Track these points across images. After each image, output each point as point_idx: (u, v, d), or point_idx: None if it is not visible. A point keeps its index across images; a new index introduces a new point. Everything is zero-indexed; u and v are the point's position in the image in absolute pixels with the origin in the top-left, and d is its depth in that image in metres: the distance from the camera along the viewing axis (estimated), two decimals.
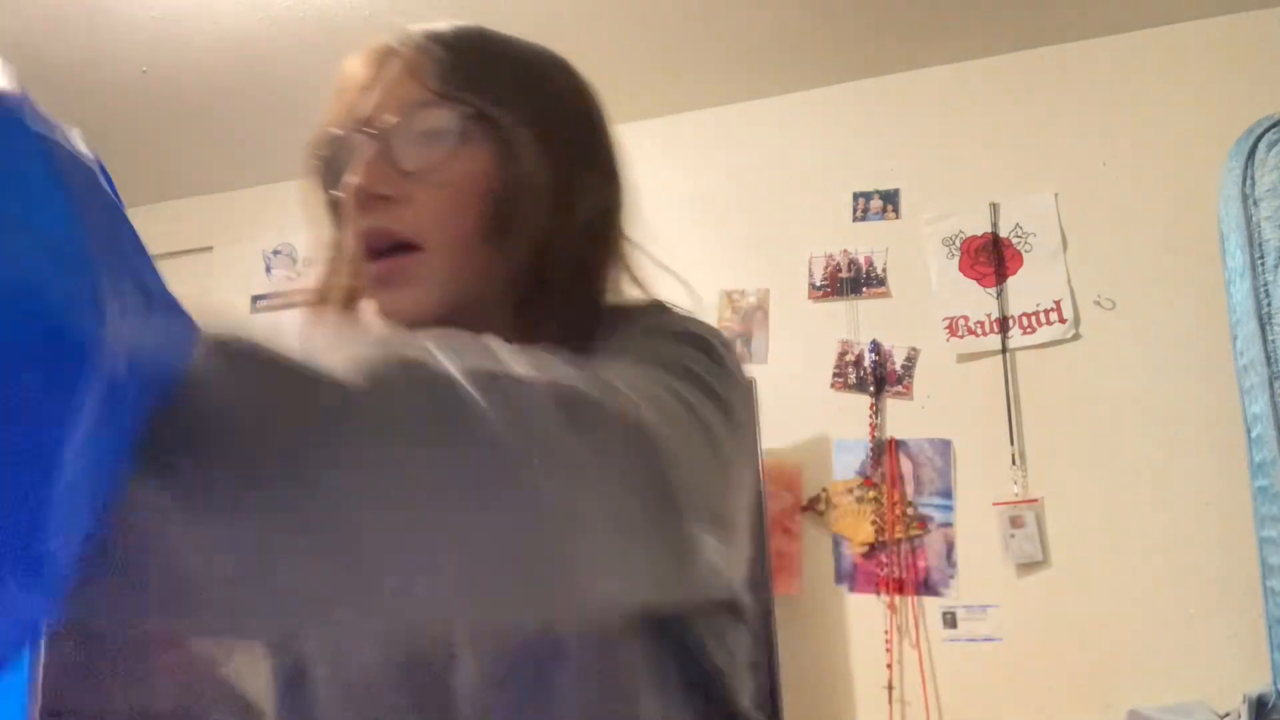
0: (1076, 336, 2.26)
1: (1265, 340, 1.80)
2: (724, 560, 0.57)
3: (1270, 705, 1.80)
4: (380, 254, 0.65)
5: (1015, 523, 2.22)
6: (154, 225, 3.19)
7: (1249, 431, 1.89)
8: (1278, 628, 1.81)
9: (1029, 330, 2.29)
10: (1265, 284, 1.82)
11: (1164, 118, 2.26)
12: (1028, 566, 2.23)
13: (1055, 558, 2.21)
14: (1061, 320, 2.27)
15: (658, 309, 0.71)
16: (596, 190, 0.72)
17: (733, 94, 2.57)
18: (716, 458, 0.55)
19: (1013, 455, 2.26)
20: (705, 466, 0.54)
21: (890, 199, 2.46)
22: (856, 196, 2.49)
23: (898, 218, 2.45)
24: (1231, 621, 2.04)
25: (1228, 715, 1.89)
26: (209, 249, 3.10)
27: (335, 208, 0.71)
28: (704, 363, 0.60)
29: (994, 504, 2.26)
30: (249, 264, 3.03)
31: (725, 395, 0.59)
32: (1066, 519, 2.21)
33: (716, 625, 0.65)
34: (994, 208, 2.36)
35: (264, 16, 2.18)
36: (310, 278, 0.77)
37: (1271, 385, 1.79)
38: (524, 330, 0.60)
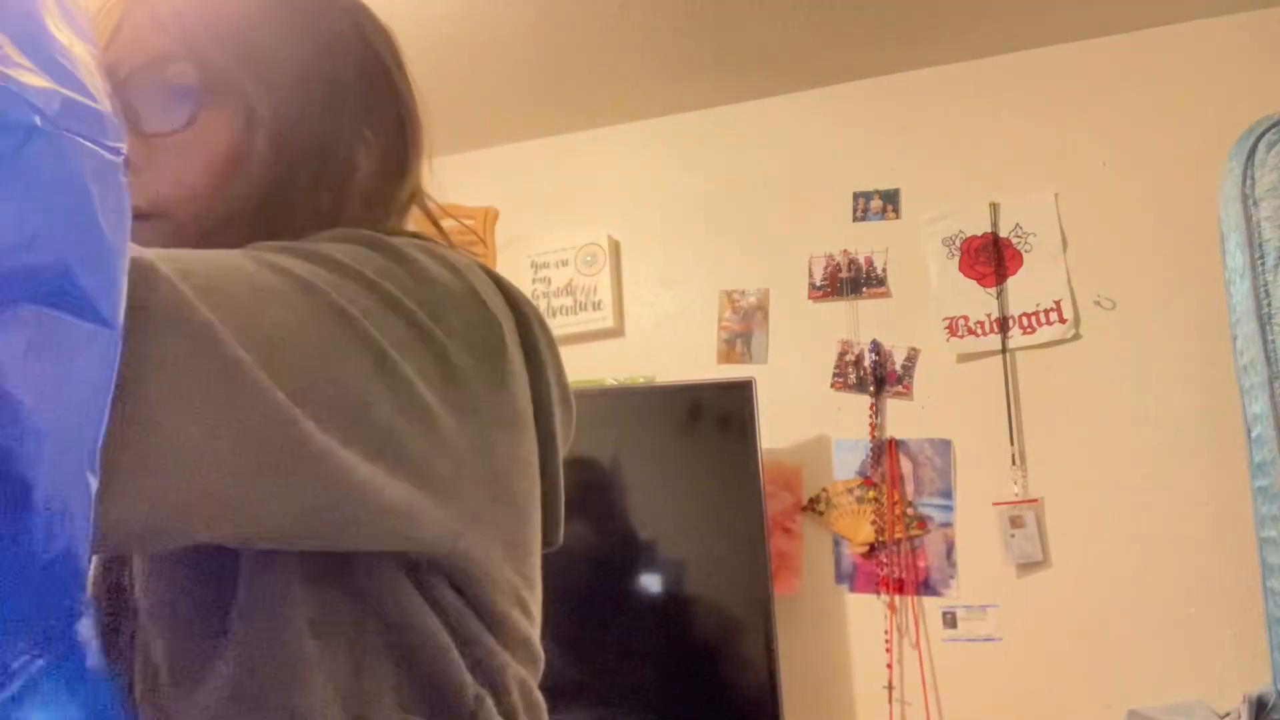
0: (1076, 336, 2.26)
1: (1265, 340, 1.80)
2: (409, 498, 0.51)
3: (1270, 705, 1.80)
4: None
5: (1015, 523, 2.22)
6: None
7: (1249, 431, 1.89)
8: (1278, 628, 1.81)
9: (1029, 330, 2.29)
10: (1265, 284, 1.82)
11: (1164, 118, 2.26)
12: (1028, 566, 2.23)
13: (1055, 558, 2.21)
14: (1061, 320, 2.27)
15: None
16: (371, 148, 0.66)
17: (733, 94, 2.57)
18: (362, 350, 0.48)
19: (1013, 455, 2.26)
20: (321, 353, 0.47)
21: (890, 199, 2.46)
22: (856, 196, 2.49)
23: (898, 218, 2.45)
24: (1231, 621, 2.04)
25: (1228, 715, 1.89)
26: None
27: None
28: (377, 263, 0.52)
29: (994, 504, 2.26)
30: None
31: (400, 297, 0.51)
32: (1066, 519, 2.21)
33: (426, 583, 0.56)
34: (994, 208, 2.36)
35: None
36: None
37: (1271, 385, 1.79)
38: None
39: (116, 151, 0.33)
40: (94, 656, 0.32)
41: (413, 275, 0.53)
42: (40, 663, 0.30)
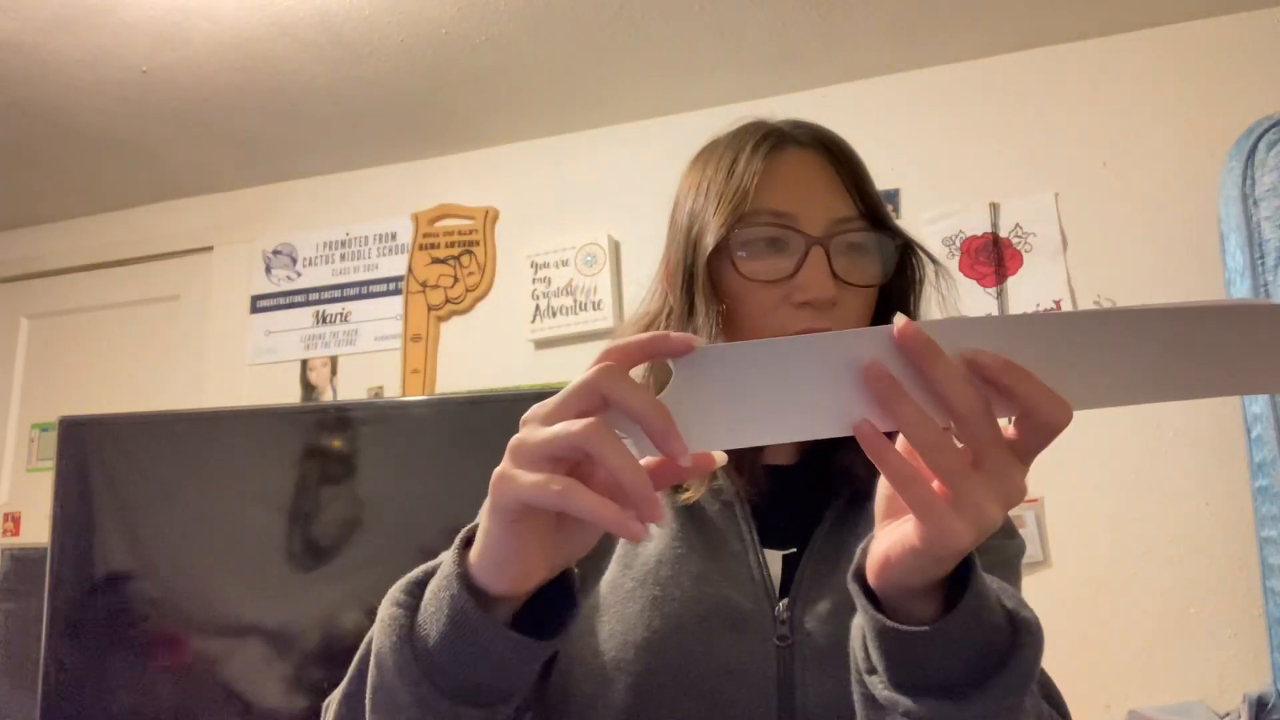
0: None
1: None
2: None
3: (1270, 705, 1.80)
4: None
5: (1015, 523, 2.22)
6: (154, 225, 3.19)
7: (1249, 431, 1.89)
8: (1278, 628, 1.81)
9: None
10: (1265, 284, 1.82)
11: (1164, 118, 2.26)
12: (1028, 566, 2.22)
13: (1055, 558, 2.21)
14: None
15: None
16: None
17: (734, 94, 2.57)
18: None
19: None
20: None
21: (890, 199, 2.46)
22: None
23: (898, 218, 2.45)
24: (1231, 621, 2.04)
25: (1228, 715, 1.89)
26: (209, 249, 3.10)
27: (724, 283, 0.81)
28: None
29: None
30: (249, 264, 3.03)
31: None
32: (1066, 519, 2.21)
33: None
34: (994, 208, 2.36)
35: (264, 16, 2.18)
36: (636, 329, 0.88)
37: None
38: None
39: None
40: None
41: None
42: None
